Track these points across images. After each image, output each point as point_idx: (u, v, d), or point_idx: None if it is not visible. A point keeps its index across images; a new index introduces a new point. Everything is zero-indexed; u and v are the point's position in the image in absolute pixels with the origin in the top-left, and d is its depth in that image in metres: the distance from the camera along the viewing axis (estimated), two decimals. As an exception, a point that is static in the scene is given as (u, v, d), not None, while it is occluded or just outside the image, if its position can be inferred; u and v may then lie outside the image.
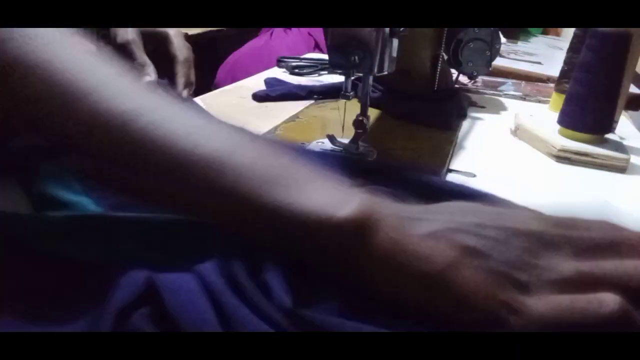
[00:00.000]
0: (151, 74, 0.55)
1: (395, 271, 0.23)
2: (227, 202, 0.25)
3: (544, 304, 0.23)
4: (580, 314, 0.23)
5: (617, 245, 0.25)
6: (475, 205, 0.28)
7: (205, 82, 1.78)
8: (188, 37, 2.10)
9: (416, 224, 0.25)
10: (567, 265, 0.24)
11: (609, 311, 0.23)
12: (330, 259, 0.24)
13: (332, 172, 0.27)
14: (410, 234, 0.24)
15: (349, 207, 0.24)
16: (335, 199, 0.25)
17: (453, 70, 0.77)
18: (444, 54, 0.71)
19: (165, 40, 0.58)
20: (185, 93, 0.57)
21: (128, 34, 0.55)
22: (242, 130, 0.28)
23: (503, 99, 0.82)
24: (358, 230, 0.24)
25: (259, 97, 0.75)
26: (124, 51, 0.54)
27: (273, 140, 0.27)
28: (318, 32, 1.80)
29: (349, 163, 0.38)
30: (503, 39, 0.72)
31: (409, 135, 0.61)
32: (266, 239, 0.25)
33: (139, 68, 0.55)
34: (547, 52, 1.29)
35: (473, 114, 0.72)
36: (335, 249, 0.24)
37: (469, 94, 0.82)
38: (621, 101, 0.57)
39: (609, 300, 0.23)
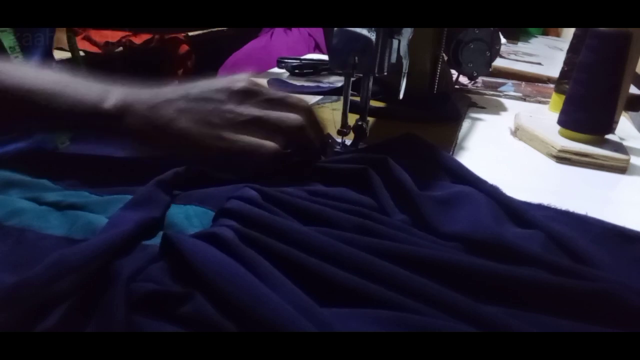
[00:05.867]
0: None
1: (139, 130, 0.39)
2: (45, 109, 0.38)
3: (234, 139, 0.39)
4: (254, 150, 0.39)
5: (283, 101, 0.41)
6: (195, 82, 0.42)
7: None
8: (188, 38, 2.10)
9: (153, 99, 0.39)
10: (246, 111, 0.40)
11: (268, 150, 0.39)
12: (104, 134, 0.40)
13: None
14: (148, 105, 0.39)
15: (109, 101, 0.39)
16: (101, 95, 0.39)
17: (453, 71, 0.77)
18: (444, 55, 0.71)
19: None
20: None
21: None
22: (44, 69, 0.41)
23: (503, 100, 0.82)
24: (117, 113, 0.38)
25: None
26: None
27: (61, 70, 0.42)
28: (318, 33, 1.80)
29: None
30: (503, 40, 0.72)
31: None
32: (70, 124, 0.40)
33: None
34: (547, 53, 1.29)
35: (473, 114, 0.72)
36: (106, 128, 0.39)
37: (469, 95, 0.82)
38: (621, 102, 0.57)
39: (269, 145, 0.39)
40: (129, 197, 0.34)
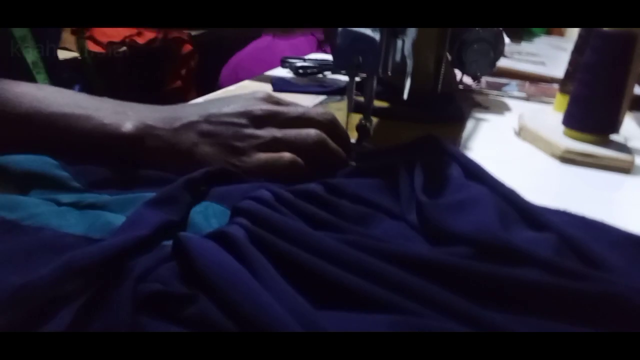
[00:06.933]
0: None
1: (160, 154, 0.39)
2: (67, 134, 0.38)
3: (252, 159, 0.40)
4: (272, 165, 0.40)
5: (302, 117, 0.42)
6: (213, 100, 0.43)
7: (208, 82, 1.78)
8: (191, 38, 2.10)
9: (174, 121, 0.40)
10: (266, 134, 0.40)
11: (285, 162, 0.40)
12: (122, 155, 0.39)
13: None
14: (169, 129, 0.39)
15: (128, 124, 0.39)
16: (119, 118, 0.39)
17: (457, 71, 0.77)
18: (448, 55, 0.71)
19: None
20: None
21: None
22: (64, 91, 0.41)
23: (507, 100, 0.82)
24: (136, 137, 0.39)
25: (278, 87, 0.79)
26: None
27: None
28: (322, 33, 1.80)
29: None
30: (507, 40, 0.72)
31: (413, 136, 0.61)
32: (88, 150, 0.39)
33: None
34: (550, 53, 1.28)
35: (477, 115, 0.72)
36: (124, 150, 0.39)
37: (473, 95, 0.82)
38: (626, 102, 0.56)
39: (286, 156, 0.40)
40: (151, 194, 0.34)
